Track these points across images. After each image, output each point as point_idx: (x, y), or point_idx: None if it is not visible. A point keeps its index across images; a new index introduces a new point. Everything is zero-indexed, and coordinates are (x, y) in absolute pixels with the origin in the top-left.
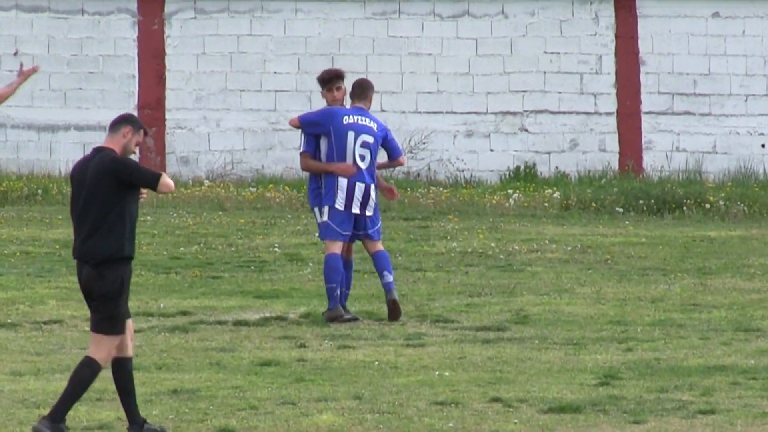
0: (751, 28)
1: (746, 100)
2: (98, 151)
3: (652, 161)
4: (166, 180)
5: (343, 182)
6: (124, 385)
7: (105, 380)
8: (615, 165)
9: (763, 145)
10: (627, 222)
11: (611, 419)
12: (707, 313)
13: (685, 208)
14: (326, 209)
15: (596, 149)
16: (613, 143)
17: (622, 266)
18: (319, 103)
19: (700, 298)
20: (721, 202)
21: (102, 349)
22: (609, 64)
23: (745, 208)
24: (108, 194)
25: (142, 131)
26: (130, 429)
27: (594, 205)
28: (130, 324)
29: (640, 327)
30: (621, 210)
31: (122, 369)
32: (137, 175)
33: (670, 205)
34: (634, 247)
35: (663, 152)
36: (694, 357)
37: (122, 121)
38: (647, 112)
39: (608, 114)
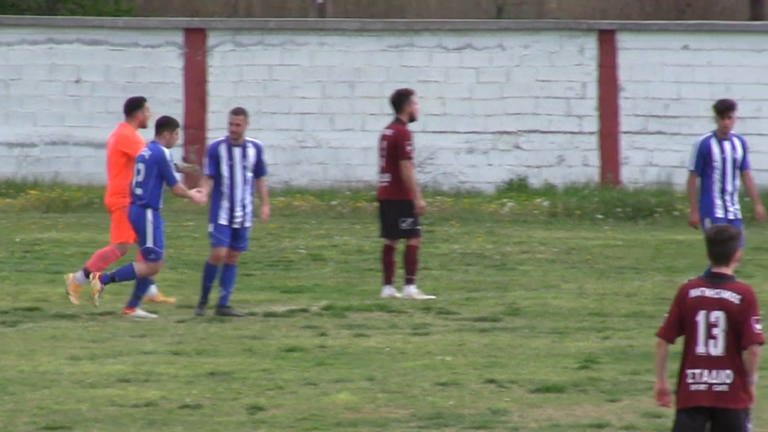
0: (716, 59)
1: (711, 122)
2: None
3: (628, 174)
4: None
5: None
6: None
7: (151, 364)
8: (596, 178)
9: None
10: (606, 227)
11: (590, 398)
12: None
13: (656, 215)
14: None
15: (580, 164)
16: (594, 159)
17: (601, 265)
18: (341, 124)
19: (669, 293)
20: (688, 210)
21: None
22: (592, 90)
23: None
24: None
25: None
26: None
27: (578, 212)
28: None
29: (617, 318)
30: (601, 217)
31: None
32: None
33: (644, 213)
34: (612, 249)
35: (638, 167)
36: None
37: None
38: (625, 132)
39: (591, 133)
